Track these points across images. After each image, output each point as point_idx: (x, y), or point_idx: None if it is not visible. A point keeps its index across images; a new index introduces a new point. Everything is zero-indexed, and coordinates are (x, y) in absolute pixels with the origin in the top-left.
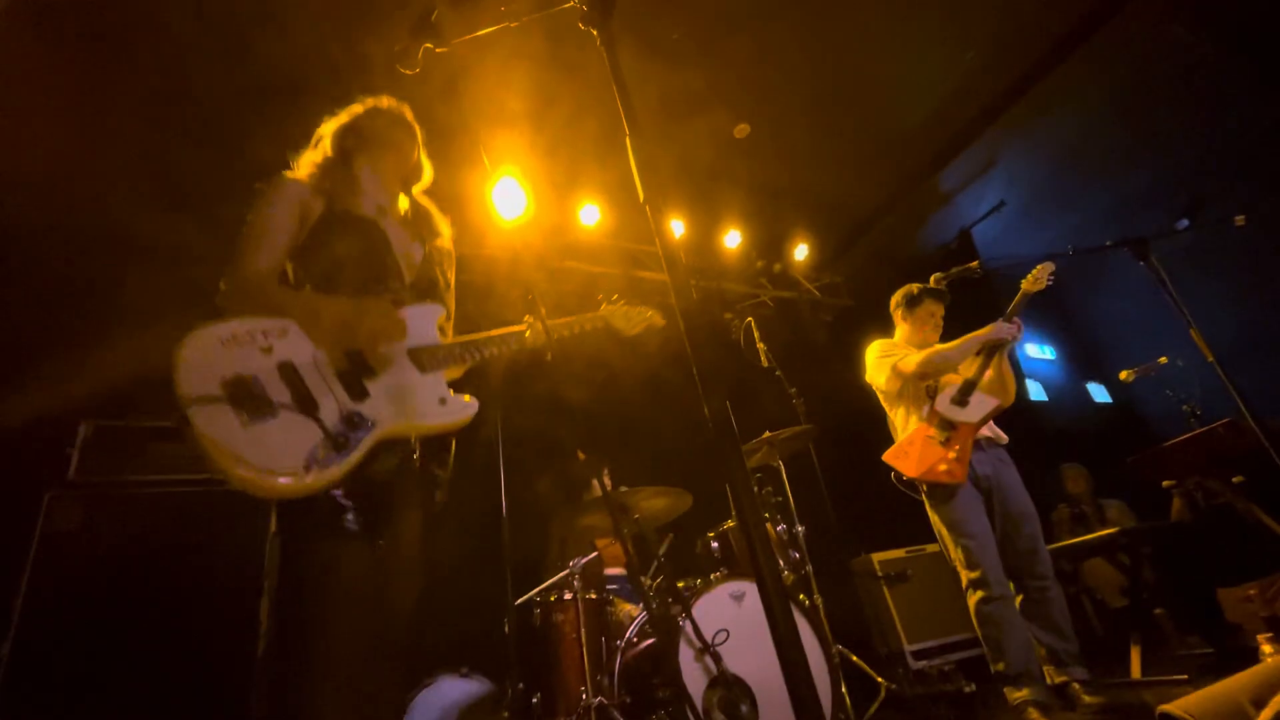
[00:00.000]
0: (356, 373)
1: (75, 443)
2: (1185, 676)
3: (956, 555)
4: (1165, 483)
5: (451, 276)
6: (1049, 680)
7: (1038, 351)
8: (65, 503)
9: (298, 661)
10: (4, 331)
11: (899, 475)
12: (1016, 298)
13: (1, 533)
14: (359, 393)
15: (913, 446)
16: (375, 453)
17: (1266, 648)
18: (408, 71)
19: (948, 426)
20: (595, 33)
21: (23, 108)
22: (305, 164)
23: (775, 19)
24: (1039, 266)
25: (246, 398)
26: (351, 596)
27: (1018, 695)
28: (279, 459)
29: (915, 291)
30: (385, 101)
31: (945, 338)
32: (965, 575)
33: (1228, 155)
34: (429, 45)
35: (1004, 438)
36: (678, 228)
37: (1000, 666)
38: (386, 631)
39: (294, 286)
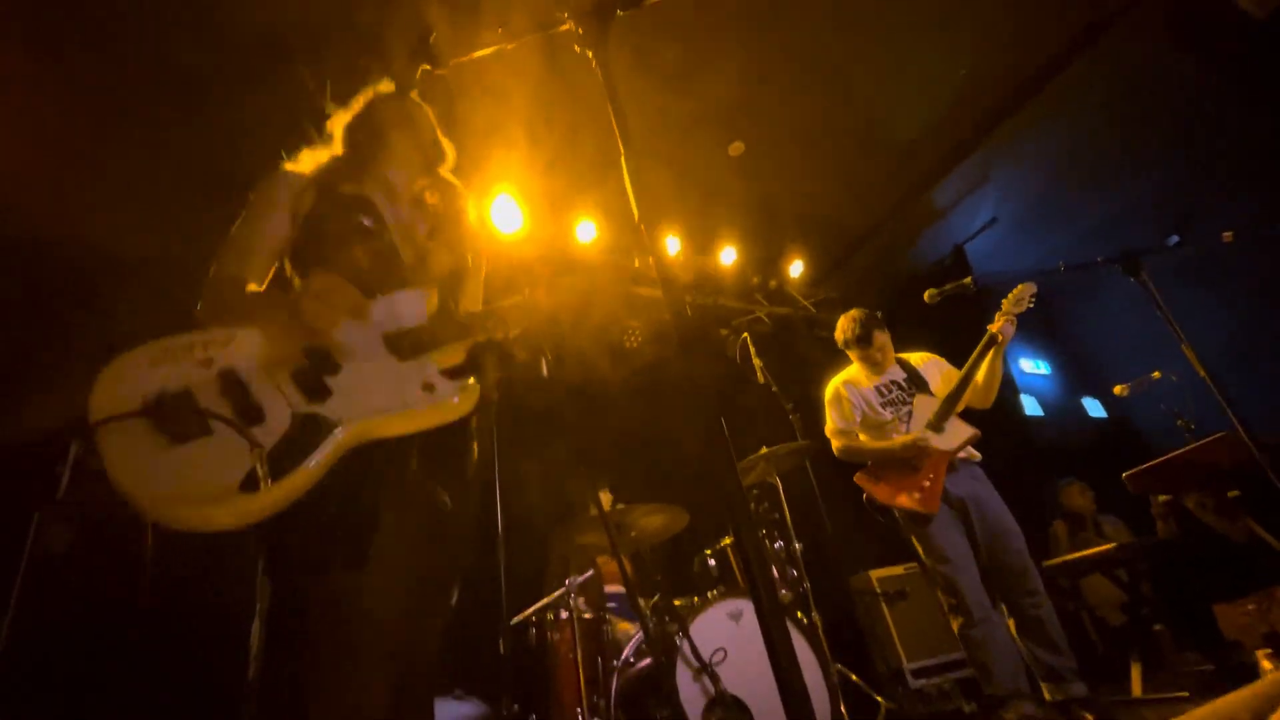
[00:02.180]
0: (316, 370)
1: (66, 462)
2: (1186, 694)
3: (936, 580)
4: (1162, 498)
5: (479, 260)
6: (1049, 697)
7: (1032, 366)
8: (55, 522)
9: (301, 709)
10: None
11: (871, 499)
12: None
13: None
14: (317, 392)
15: (885, 471)
16: (353, 461)
17: (1266, 664)
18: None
19: (921, 453)
20: (590, 54)
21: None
22: (309, 158)
23: (769, 38)
24: (1020, 287)
25: (173, 415)
26: (352, 631)
27: (1011, 716)
28: (207, 483)
29: (860, 329)
30: (398, 89)
31: (942, 354)
32: (945, 600)
33: (1217, 171)
34: (427, 67)
35: (977, 455)
36: (673, 245)
37: (990, 689)
38: (409, 664)
39: (288, 285)
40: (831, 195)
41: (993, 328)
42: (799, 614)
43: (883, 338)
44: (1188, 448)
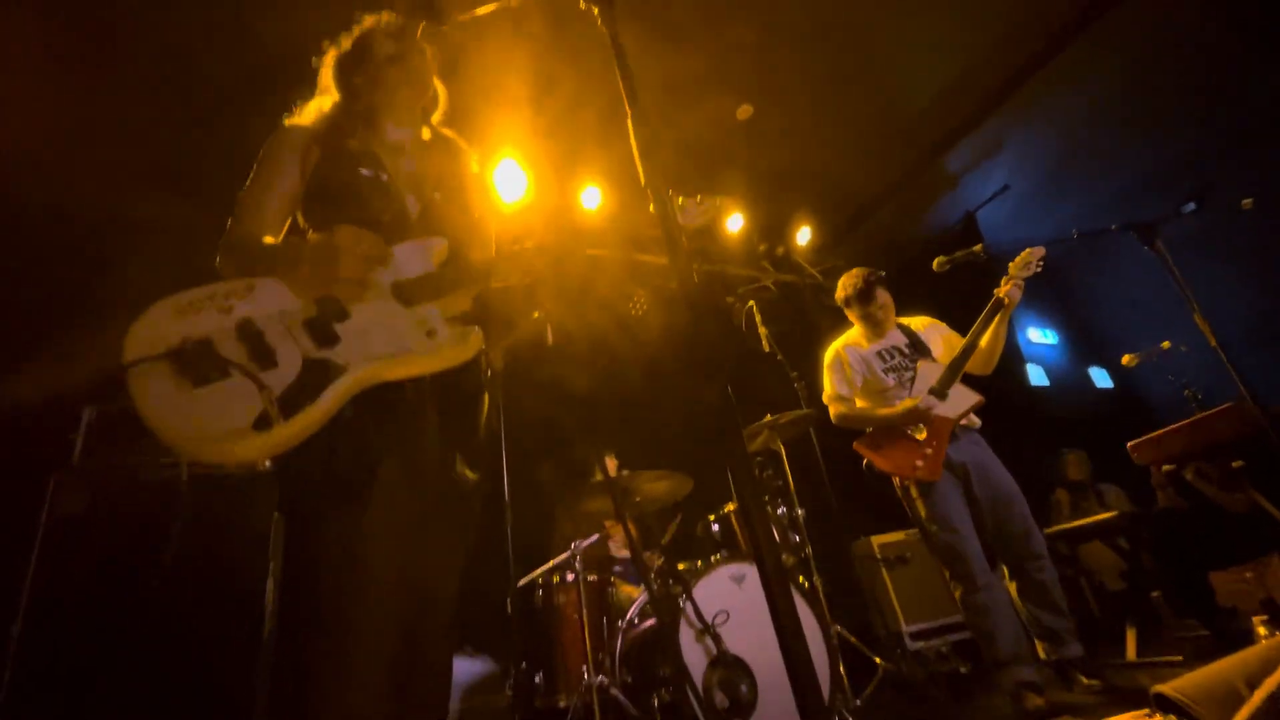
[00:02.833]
0: (326, 318)
1: (79, 428)
2: (1179, 658)
3: (938, 548)
4: (1165, 468)
5: (482, 208)
6: (1044, 656)
7: (1039, 336)
8: (70, 487)
9: (316, 653)
10: (7, 317)
11: (871, 466)
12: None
13: (9, 516)
14: (327, 338)
15: (886, 438)
16: (363, 405)
17: (1261, 630)
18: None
19: (924, 420)
20: (596, 11)
21: (21, 85)
22: (311, 111)
23: None
24: (1027, 251)
25: (194, 361)
26: (373, 571)
27: (1011, 679)
28: (222, 422)
29: (863, 284)
30: (389, 20)
31: (951, 323)
32: (947, 567)
33: (1236, 139)
34: (427, 23)
35: (976, 422)
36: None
37: (991, 654)
38: (424, 606)
39: (303, 237)
40: (841, 160)
41: (999, 291)
42: (801, 578)
43: (885, 296)
44: (1193, 418)
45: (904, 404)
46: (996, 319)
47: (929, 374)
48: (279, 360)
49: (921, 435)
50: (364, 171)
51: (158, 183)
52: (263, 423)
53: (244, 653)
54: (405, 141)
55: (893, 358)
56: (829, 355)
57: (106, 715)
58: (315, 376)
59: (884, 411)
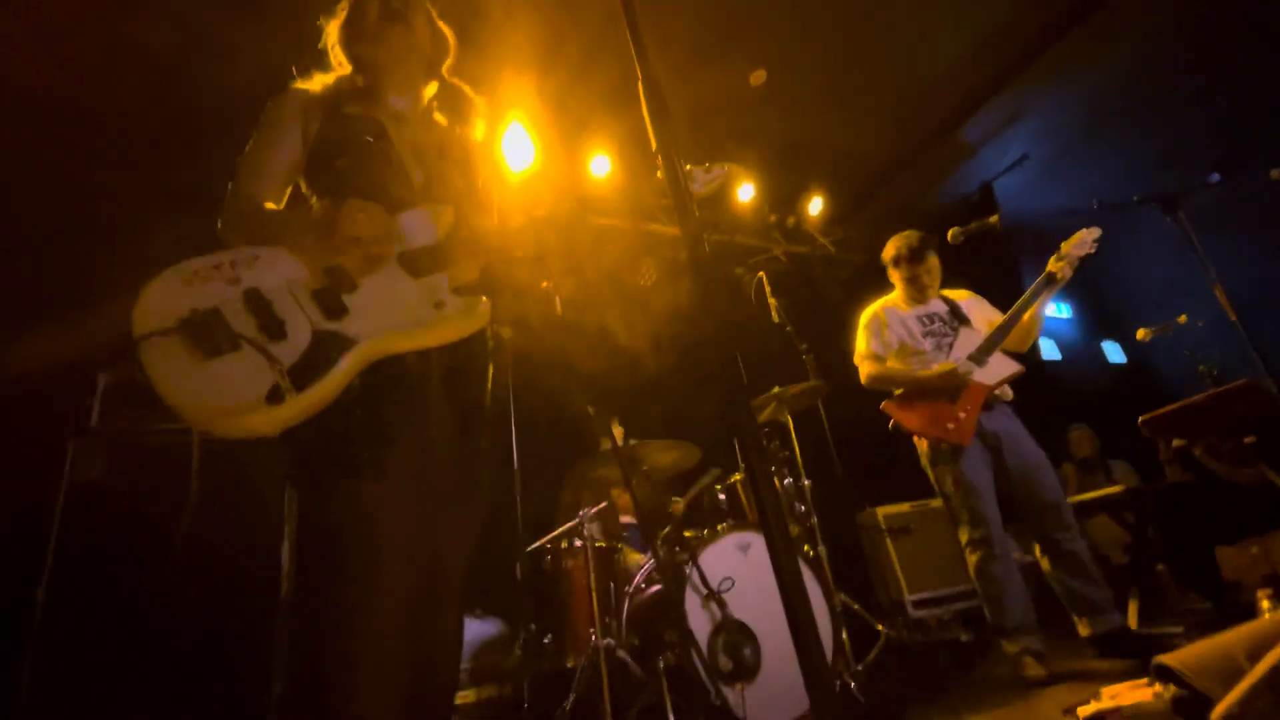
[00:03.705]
0: (334, 289)
1: (96, 393)
2: (1180, 629)
3: (960, 513)
4: (1176, 443)
5: (486, 176)
6: (1086, 631)
7: (1053, 309)
8: (89, 452)
9: (330, 623)
10: (24, 283)
11: (898, 427)
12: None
13: (30, 482)
14: (335, 310)
15: (918, 400)
16: (371, 376)
17: (1265, 604)
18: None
19: (960, 384)
20: None
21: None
22: (318, 79)
23: None
24: (1084, 230)
25: (204, 332)
26: (385, 541)
27: (1015, 646)
28: (235, 394)
29: (917, 243)
30: None
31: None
32: (967, 533)
33: (1261, 111)
34: None
35: (1009, 394)
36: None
37: (999, 620)
38: (436, 570)
39: (306, 204)
40: (855, 129)
41: (1051, 266)
42: (806, 547)
43: (934, 261)
44: (1207, 393)
45: (941, 366)
46: (1044, 295)
47: (969, 341)
48: (289, 332)
49: (956, 400)
50: (368, 139)
51: (179, 144)
52: (275, 396)
53: (262, 613)
54: (407, 109)
55: (933, 323)
56: (866, 315)
57: (130, 674)
58: (326, 349)
59: (920, 373)
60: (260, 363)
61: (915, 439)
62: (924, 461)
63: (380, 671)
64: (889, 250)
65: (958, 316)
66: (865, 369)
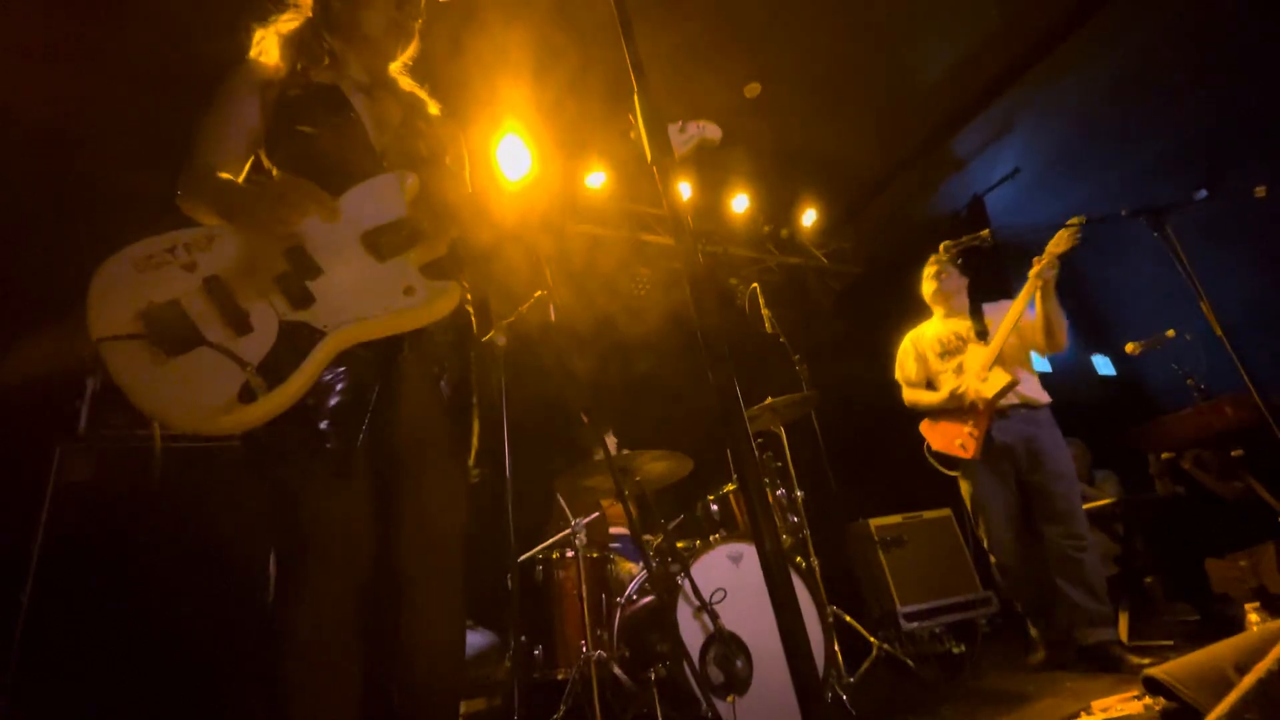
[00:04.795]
0: (298, 274)
1: (84, 397)
2: (1171, 642)
3: (976, 525)
4: (1164, 455)
5: (453, 150)
6: (1082, 642)
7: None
8: (76, 456)
9: (280, 620)
10: (11, 286)
11: (929, 447)
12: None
13: (16, 484)
14: (302, 298)
15: (940, 419)
16: (342, 368)
17: (1253, 616)
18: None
19: (962, 402)
20: None
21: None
22: (277, 24)
23: None
24: (1063, 230)
25: (166, 328)
26: (304, 525)
27: (1035, 632)
28: (206, 395)
29: (932, 263)
30: None
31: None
32: (986, 540)
33: (1248, 125)
34: None
35: (1042, 399)
36: (685, 190)
37: (1019, 608)
38: (392, 572)
39: (269, 175)
40: (849, 141)
41: (1033, 270)
42: (798, 558)
43: (946, 274)
44: (1195, 406)
45: (942, 390)
46: (1038, 298)
47: (975, 358)
48: (254, 324)
49: (967, 416)
50: (327, 107)
51: (160, 148)
52: (246, 394)
53: (248, 618)
54: (369, 83)
55: (951, 343)
56: (900, 347)
57: (115, 676)
58: (294, 341)
59: (931, 396)
60: (228, 361)
61: (941, 467)
62: (953, 474)
63: (317, 669)
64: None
65: (975, 332)
66: (903, 394)
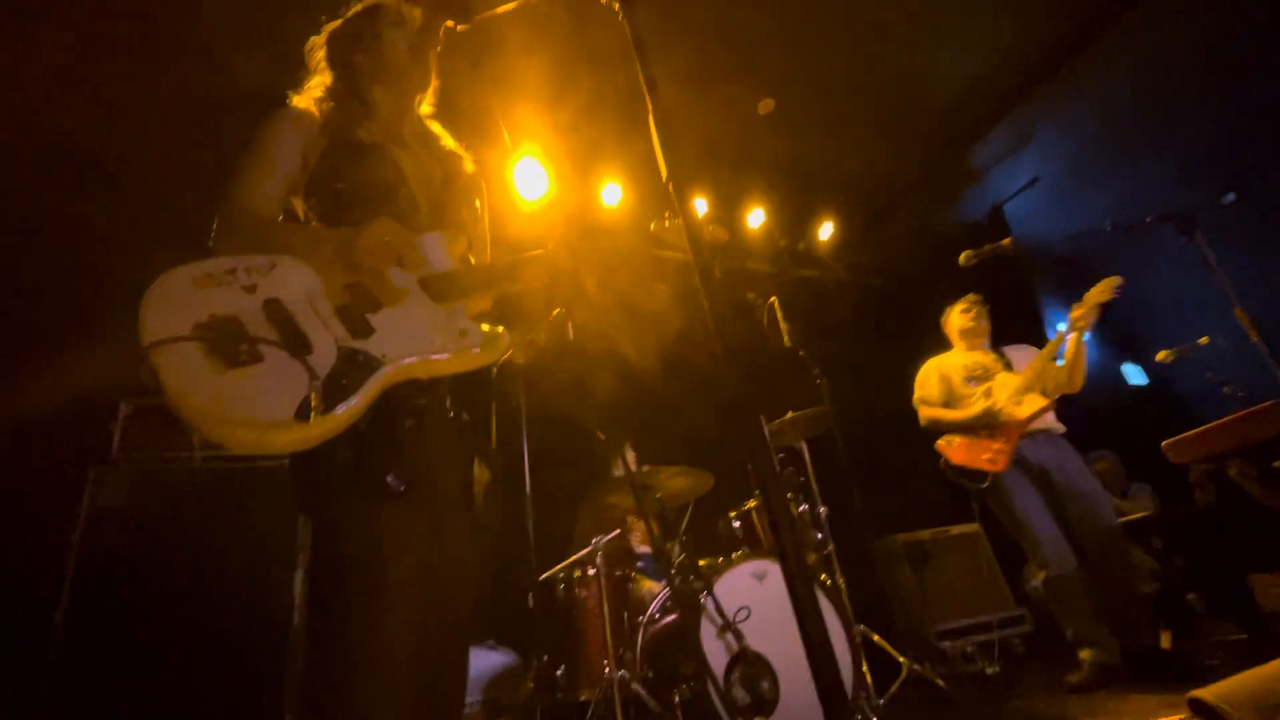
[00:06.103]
0: (359, 306)
1: (117, 421)
2: (1217, 662)
3: (1020, 540)
4: (1202, 467)
5: (482, 207)
6: (1116, 654)
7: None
8: (109, 479)
9: (338, 644)
10: (46, 314)
11: (947, 461)
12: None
13: (50, 507)
14: (361, 329)
15: (963, 436)
16: (393, 399)
17: None
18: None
19: (994, 420)
20: (617, 6)
21: (71, 87)
22: (308, 92)
23: None
24: (1106, 280)
25: (224, 340)
26: (393, 563)
27: (1083, 655)
28: (264, 408)
29: (964, 303)
30: (406, 10)
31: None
32: (1029, 555)
33: (1274, 127)
34: (450, 23)
35: (1060, 427)
36: (701, 206)
37: (1069, 634)
38: (444, 602)
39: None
40: (865, 154)
41: (1074, 313)
42: (823, 576)
43: (969, 315)
44: (1233, 415)
45: (975, 406)
46: (1073, 339)
47: (1006, 384)
48: (314, 347)
49: (996, 434)
50: (375, 163)
51: (192, 175)
52: (303, 412)
53: (274, 643)
54: (407, 136)
55: (978, 371)
56: (921, 370)
57: (145, 697)
58: (353, 368)
59: (959, 413)
60: (291, 376)
61: (964, 482)
62: (975, 494)
63: (384, 705)
64: (946, 315)
65: (1001, 363)
66: (921, 412)
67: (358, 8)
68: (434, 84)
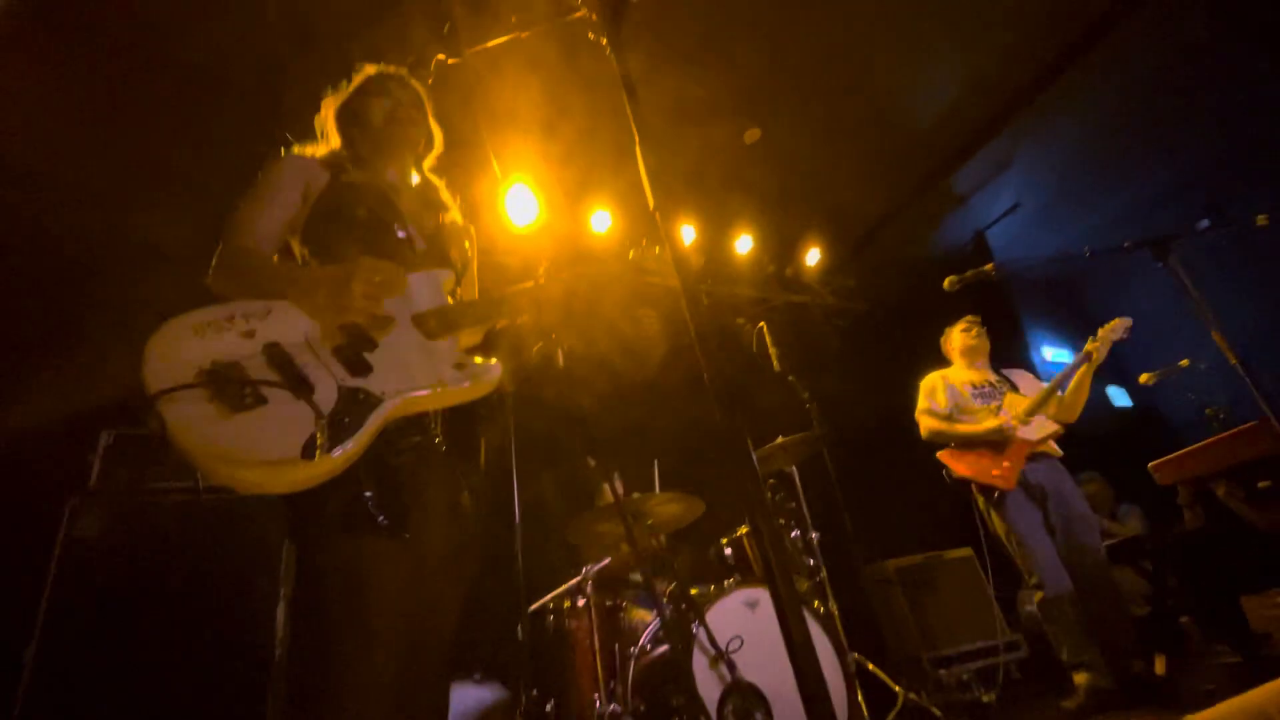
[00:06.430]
0: (355, 346)
1: (96, 451)
2: (1213, 687)
3: (1017, 559)
4: (1189, 488)
5: (470, 252)
6: (1110, 673)
7: (1054, 355)
8: (86, 510)
9: (322, 677)
10: (25, 340)
11: (949, 473)
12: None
13: (25, 539)
14: (360, 367)
15: (969, 451)
16: (389, 434)
17: None
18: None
19: (1006, 437)
20: (605, 42)
21: (31, 98)
22: (312, 149)
23: (786, 22)
24: (1118, 320)
25: (227, 386)
26: (379, 599)
27: (1079, 679)
28: (271, 449)
29: (966, 323)
30: (388, 71)
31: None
32: (1027, 576)
33: (1249, 154)
34: (442, 56)
35: (1059, 452)
36: (688, 233)
37: (1063, 656)
38: (426, 639)
39: (299, 263)
40: (850, 181)
41: (1089, 347)
42: (816, 603)
43: (971, 334)
44: (1217, 436)
45: (989, 422)
46: (1081, 370)
47: (1014, 404)
48: (315, 387)
49: (1003, 451)
50: (370, 203)
51: (177, 201)
52: (308, 450)
53: (255, 676)
54: (400, 183)
55: (985, 388)
56: (927, 381)
57: None
58: (354, 406)
59: (970, 427)
60: (296, 416)
61: (973, 491)
62: (981, 509)
63: None
64: (946, 334)
65: (1009, 385)
66: (924, 423)
67: (351, 87)
68: (437, 140)
